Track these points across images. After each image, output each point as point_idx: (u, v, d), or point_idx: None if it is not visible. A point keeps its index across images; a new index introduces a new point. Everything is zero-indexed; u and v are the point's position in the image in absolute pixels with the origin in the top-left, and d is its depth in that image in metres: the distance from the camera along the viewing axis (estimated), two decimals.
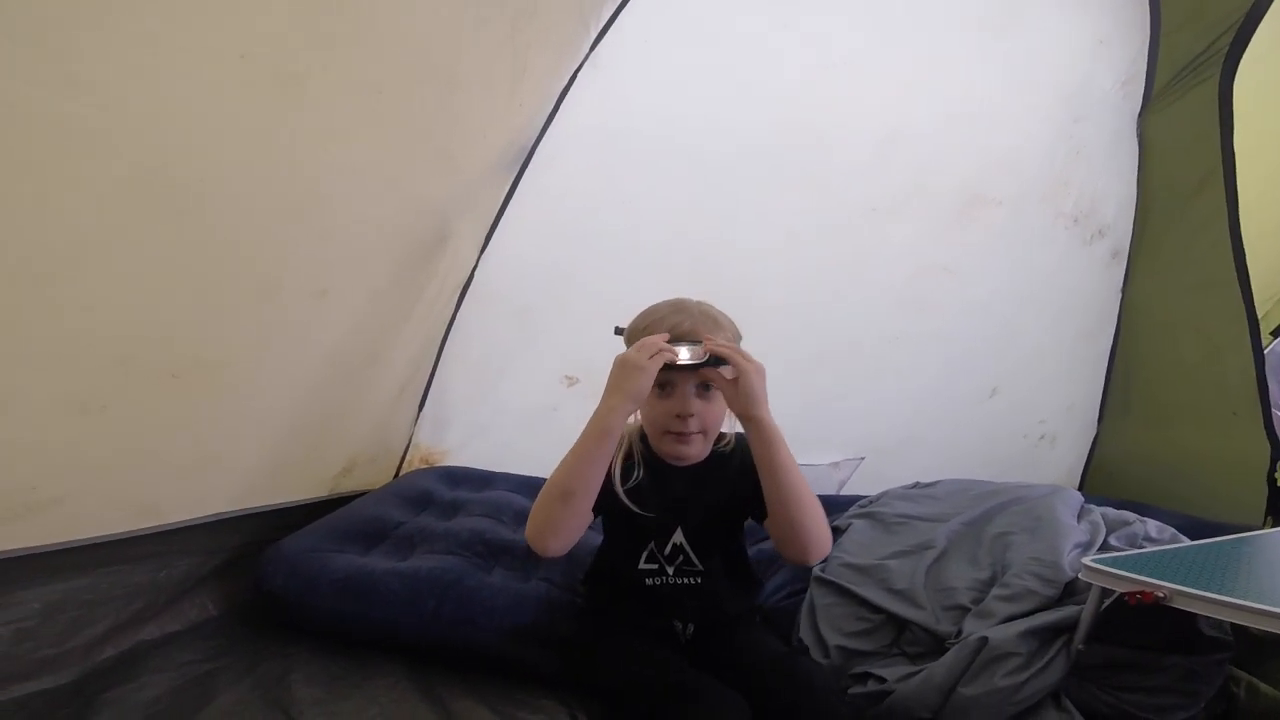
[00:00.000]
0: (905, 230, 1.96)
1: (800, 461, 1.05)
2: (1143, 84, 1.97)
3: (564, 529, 1.00)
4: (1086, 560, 0.97)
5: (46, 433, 0.94)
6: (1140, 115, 2.00)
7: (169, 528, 1.24)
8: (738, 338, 1.09)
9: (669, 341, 0.97)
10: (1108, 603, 0.95)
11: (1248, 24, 1.72)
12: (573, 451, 0.99)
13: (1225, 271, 1.86)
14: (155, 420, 1.11)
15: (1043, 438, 2.23)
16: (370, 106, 1.17)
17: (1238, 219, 1.82)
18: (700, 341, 0.97)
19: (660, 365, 0.94)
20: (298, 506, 1.57)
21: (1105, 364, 2.21)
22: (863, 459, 2.20)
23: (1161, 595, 0.83)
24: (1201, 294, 1.88)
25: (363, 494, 1.73)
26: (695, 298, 1.10)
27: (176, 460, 1.20)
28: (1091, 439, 2.27)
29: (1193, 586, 0.83)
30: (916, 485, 1.71)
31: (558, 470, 1.00)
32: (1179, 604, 0.82)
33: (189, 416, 1.17)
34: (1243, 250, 1.85)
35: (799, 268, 2.02)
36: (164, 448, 1.16)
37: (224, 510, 1.36)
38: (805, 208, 1.95)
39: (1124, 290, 2.14)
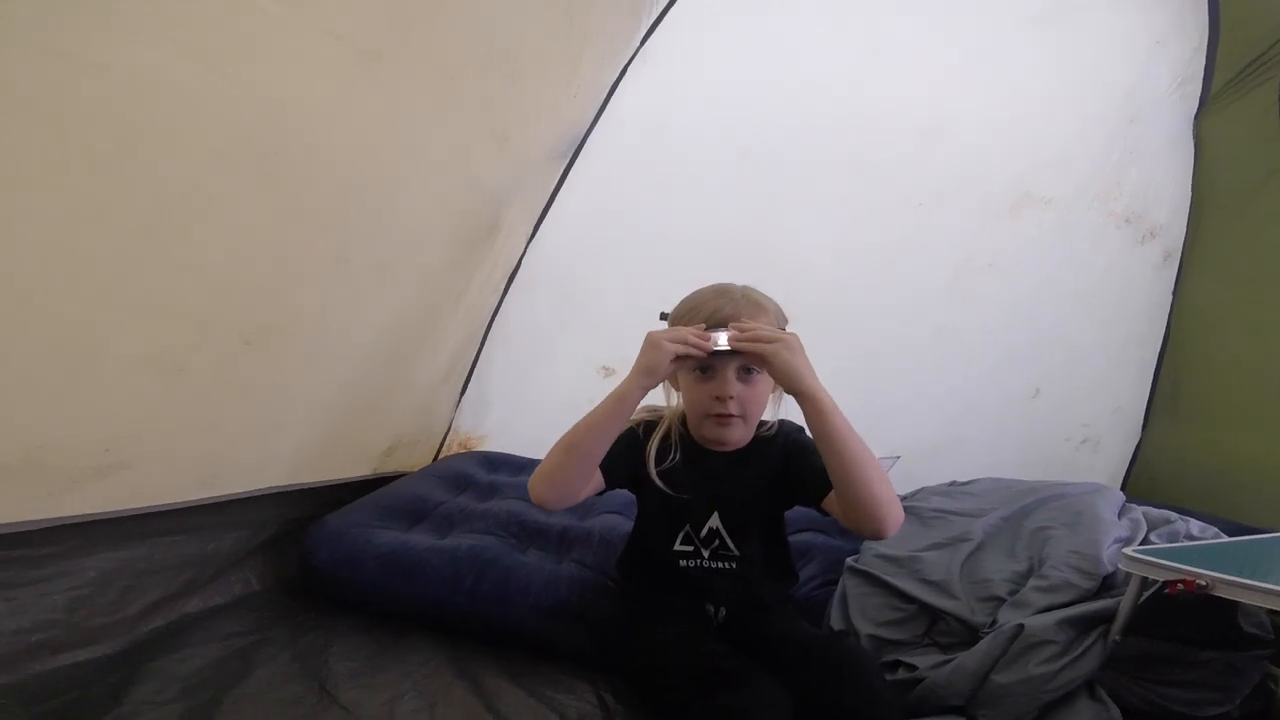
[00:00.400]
0: (952, 224, 1.96)
1: None
2: (1200, 85, 1.93)
3: (560, 479, 1.02)
4: (1127, 550, 0.96)
5: (126, 393, 0.99)
6: (1196, 117, 1.96)
7: (223, 499, 1.29)
8: (783, 321, 1.09)
9: (709, 328, 0.98)
10: (1147, 594, 0.94)
11: None
12: (589, 413, 1.01)
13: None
14: (225, 387, 1.15)
15: (1085, 441, 2.16)
16: (439, 87, 1.21)
17: None
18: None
19: (677, 351, 0.95)
20: (343, 484, 1.62)
21: (1153, 367, 2.14)
22: (898, 458, 2.17)
23: (1203, 584, 0.82)
24: (1258, 293, 1.81)
25: (403, 475, 1.79)
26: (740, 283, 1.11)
27: (239, 431, 1.26)
28: (1135, 444, 2.20)
29: (1237, 576, 0.81)
30: (953, 484, 1.69)
31: (572, 428, 1.02)
32: (1221, 592, 0.81)
33: (256, 385, 1.22)
34: None
35: (844, 261, 2.04)
36: (230, 417, 1.21)
37: (276, 484, 1.41)
38: (850, 200, 1.98)
39: (1175, 292, 2.08)
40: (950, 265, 2.03)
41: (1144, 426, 2.18)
